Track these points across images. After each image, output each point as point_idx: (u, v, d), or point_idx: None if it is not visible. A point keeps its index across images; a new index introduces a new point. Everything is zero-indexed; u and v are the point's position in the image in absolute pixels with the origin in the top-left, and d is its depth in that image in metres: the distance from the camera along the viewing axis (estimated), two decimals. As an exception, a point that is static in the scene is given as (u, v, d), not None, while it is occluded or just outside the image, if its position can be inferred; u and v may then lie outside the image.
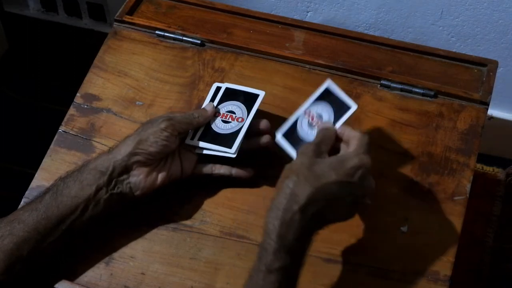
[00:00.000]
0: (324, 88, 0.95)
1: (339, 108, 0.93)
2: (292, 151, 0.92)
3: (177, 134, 0.94)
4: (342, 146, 0.89)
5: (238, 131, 0.96)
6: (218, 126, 0.97)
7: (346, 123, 0.91)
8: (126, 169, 0.91)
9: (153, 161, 0.92)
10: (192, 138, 0.97)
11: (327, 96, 0.94)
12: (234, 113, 0.98)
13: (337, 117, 0.92)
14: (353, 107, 0.92)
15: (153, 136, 0.92)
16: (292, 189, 0.81)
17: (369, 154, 0.85)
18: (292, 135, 0.93)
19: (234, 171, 0.96)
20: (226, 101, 1.00)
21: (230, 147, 0.95)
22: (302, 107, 0.95)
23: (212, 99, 1.00)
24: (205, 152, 0.96)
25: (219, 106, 0.99)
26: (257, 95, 0.98)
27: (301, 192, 0.80)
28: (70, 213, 0.89)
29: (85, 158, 1.03)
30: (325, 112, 0.93)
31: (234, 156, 0.95)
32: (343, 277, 0.91)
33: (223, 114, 0.98)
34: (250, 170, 0.97)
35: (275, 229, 0.79)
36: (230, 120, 0.97)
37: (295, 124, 0.94)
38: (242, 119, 0.97)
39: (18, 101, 1.96)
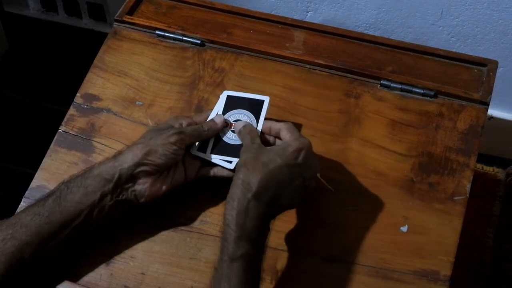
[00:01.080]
0: (225, 98, 0.99)
1: (253, 107, 0.97)
2: (229, 158, 0.95)
3: (185, 147, 0.94)
4: (277, 140, 0.94)
5: None
6: (228, 136, 0.97)
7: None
8: (132, 178, 0.91)
9: (159, 171, 0.92)
10: (203, 151, 0.96)
11: (235, 103, 0.98)
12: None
13: (256, 116, 0.96)
14: (266, 99, 0.97)
15: (162, 149, 0.91)
16: (243, 179, 0.85)
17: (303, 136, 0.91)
18: (221, 147, 0.96)
19: None
20: (231, 109, 0.99)
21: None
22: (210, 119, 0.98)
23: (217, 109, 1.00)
24: (215, 161, 0.96)
25: (224, 116, 0.98)
26: (262, 101, 0.98)
27: (252, 180, 0.85)
28: (74, 219, 0.89)
29: (85, 158, 1.03)
30: (243, 116, 0.97)
31: None
32: (343, 277, 0.91)
33: (231, 123, 0.97)
34: None
35: (233, 219, 0.83)
36: None
37: (218, 138, 0.97)
38: None
39: (18, 101, 1.96)
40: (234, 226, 0.83)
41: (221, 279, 0.82)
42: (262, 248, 0.86)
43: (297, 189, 0.88)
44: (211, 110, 1.00)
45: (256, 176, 0.85)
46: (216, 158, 0.95)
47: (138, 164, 0.90)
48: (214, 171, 0.96)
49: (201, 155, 0.96)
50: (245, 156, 0.88)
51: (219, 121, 0.97)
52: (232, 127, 0.97)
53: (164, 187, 0.93)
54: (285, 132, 0.92)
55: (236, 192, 0.85)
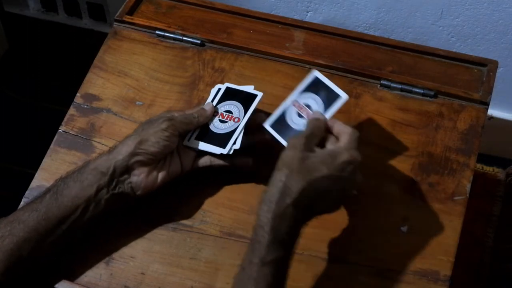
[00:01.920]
0: (311, 79, 0.95)
1: (329, 98, 0.92)
2: (282, 140, 0.92)
3: (178, 134, 0.94)
4: (331, 139, 0.89)
5: (233, 131, 0.96)
6: (215, 125, 0.98)
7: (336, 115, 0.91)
8: (127, 169, 0.91)
9: (154, 161, 0.92)
10: (189, 138, 0.97)
11: (316, 87, 0.94)
12: (231, 113, 0.98)
13: (327, 108, 0.92)
14: (344, 97, 0.92)
15: (154, 137, 0.92)
16: (285, 182, 0.82)
17: (358, 149, 0.86)
18: (281, 125, 0.94)
19: (234, 161, 0.97)
20: (225, 100, 1.00)
21: (224, 147, 0.95)
22: (289, 98, 0.95)
23: (213, 99, 1.01)
24: (201, 148, 0.97)
25: (218, 106, 1.00)
26: (255, 96, 0.98)
27: (294, 185, 0.82)
28: (71, 214, 0.89)
29: (85, 158, 1.03)
30: (314, 103, 0.93)
31: (228, 153, 0.95)
32: (343, 277, 0.91)
33: (221, 113, 0.98)
34: (250, 160, 0.97)
35: (269, 222, 0.81)
36: (227, 120, 0.98)
37: (283, 115, 0.94)
38: (239, 119, 0.97)
39: (18, 101, 1.96)
40: (268, 229, 0.80)
41: (249, 281, 0.80)
42: (292, 254, 0.83)
43: (334, 198, 0.85)
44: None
45: (298, 182, 0.81)
46: (205, 147, 0.96)
47: (132, 155, 0.91)
48: (211, 160, 0.96)
49: (189, 143, 0.96)
50: (291, 155, 0.84)
51: (208, 108, 0.98)
52: (220, 116, 0.98)
53: (160, 178, 0.93)
54: (345, 137, 0.87)
55: (274, 195, 0.82)
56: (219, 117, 0.98)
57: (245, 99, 0.99)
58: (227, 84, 1.02)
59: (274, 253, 0.80)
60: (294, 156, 0.83)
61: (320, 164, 0.83)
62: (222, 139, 0.96)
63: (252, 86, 1.01)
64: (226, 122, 0.97)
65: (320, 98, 0.93)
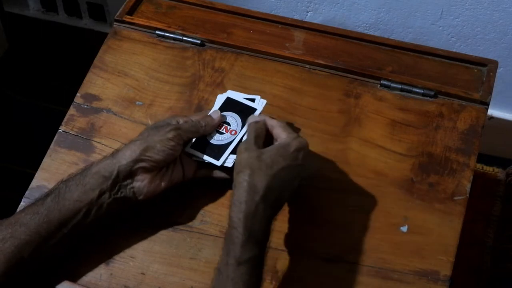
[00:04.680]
0: (223, 99, 0.99)
1: (244, 112, 0.98)
2: (210, 159, 0.95)
3: (183, 143, 0.94)
4: (274, 135, 0.93)
5: (228, 144, 0.95)
6: (212, 135, 0.97)
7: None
8: (130, 175, 0.91)
9: (157, 168, 0.92)
10: (193, 148, 0.97)
11: (230, 105, 0.98)
12: (229, 124, 0.97)
13: (243, 122, 0.97)
14: (259, 109, 0.97)
15: (160, 145, 0.91)
16: (249, 181, 0.84)
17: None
18: (203, 145, 0.96)
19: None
20: (225, 111, 0.99)
21: (218, 159, 0.95)
22: None
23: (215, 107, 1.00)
24: (195, 159, 0.96)
25: None
26: (254, 109, 0.98)
27: (259, 182, 0.84)
28: (72, 217, 0.89)
29: (85, 158, 1.03)
30: (232, 120, 0.97)
31: (222, 165, 0.95)
32: (343, 277, 0.91)
33: (219, 124, 0.98)
34: None
35: (240, 221, 0.83)
36: (224, 131, 0.97)
37: (204, 138, 0.97)
38: (235, 132, 0.97)
39: (18, 101, 1.96)
40: (241, 229, 0.82)
41: (226, 282, 0.81)
42: (266, 250, 0.85)
43: (295, 188, 0.89)
44: (210, 110, 1.00)
45: (263, 178, 0.84)
46: (200, 155, 0.96)
47: (136, 161, 0.90)
48: (212, 172, 0.96)
49: (186, 150, 0.96)
50: (248, 156, 0.87)
51: (216, 116, 0.98)
52: (218, 128, 0.98)
53: (162, 184, 0.93)
54: (280, 130, 0.91)
55: (242, 194, 0.84)
56: (217, 128, 0.98)
57: (244, 112, 0.98)
58: (229, 93, 1.01)
59: (250, 252, 0.82)
60: (250, 156, 0.86)
61: (277, 157, 0.87)
62: (217, 150, 0.95)
63: (258, 96, 1.00)
64: (223, 133, 0.97)
65: (236, 113, 0.98)
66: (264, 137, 0.92)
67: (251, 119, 0.95)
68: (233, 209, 0.84)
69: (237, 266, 0.81)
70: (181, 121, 0.95)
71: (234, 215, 0.83)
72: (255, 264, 0.83)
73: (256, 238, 0.83)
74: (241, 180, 0.85)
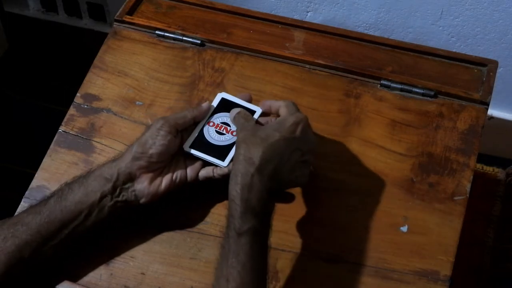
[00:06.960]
0: (219, 100, 0.98)
1: None
2: (210, 158, 0.94)
3: (175, 132, 0.93)
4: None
5: (231, 145, 0.95)
6: (212, 136, 0.96)
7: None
8: (130, 177, 0.91)
9: (156, 165, 0.92)
10: (187, 144, 0.96)
11: (226, 106, 0.98)
12: (228, 125, 0.97)
13: None
14: (258, 110, 0.96)
15: (150, 138, 0.92)
16: (244, 154, 0.86)
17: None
18: (203, 145, 0.96)
19: None
20: (222, 112, 0.98)
21: (223, 160, 0.94)
22: (203, 121, 0.97)
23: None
24: (198, 156, 0.96)
25: (214, 116, 0.98)
26: (253, 112, 0.97)
27: (254, 154, 0.86)
28: (74, 218, 0.89)
29: (85, 158, 1.03)
30: (229, 119, 0.97)
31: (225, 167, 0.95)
32: (343, 277, 0.91)
33: (217, 124, 0.97)
34: None
35: (238, 194, 0.84)
36: (224, 132, 0.97)
37: (201, 135, 0.96)
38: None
39: (18, 101, 1.96)
40: (239, 201, 0.83)
41: (228, 254, 0.83)
42: (268, 224, 0.86)
43: (296, 163, 0.88)
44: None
45: (257, 150, 0.86)
46: (203, 156, 0.95)
47: (132, 160, 0.91)
48: (213, 171, 0.95)
49: (186, 149, 0.96)
50: (243, 134, 0.89)
51: (204, 104, 0.98)
52: (217, 128, 0.97)
53: (163, 185, 0.93)
54: (284, 109, 0.92)
55: (238, 167, 0.85)
56: (215, 128, 0.98)
57: None
58: (222, 94, 1.00)
59: (248, 223, 0.83)
60: (245, 134, 0.89)
61: (272, 131, 0.88)
62: (220, 151, 0.95)
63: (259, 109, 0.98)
64: (224, 134, 0.97)
65: None
66: (253, 119, 0.94)
67: (232, 114, 0.95)
68: (230, 182, 0.85)
69: (237, 237, 0.83)
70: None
71: (231, 188, 0.85)
72: (255, 234, 0.83)
73: (253, 209, 0.83)
74: (237, 154, 0.87)
